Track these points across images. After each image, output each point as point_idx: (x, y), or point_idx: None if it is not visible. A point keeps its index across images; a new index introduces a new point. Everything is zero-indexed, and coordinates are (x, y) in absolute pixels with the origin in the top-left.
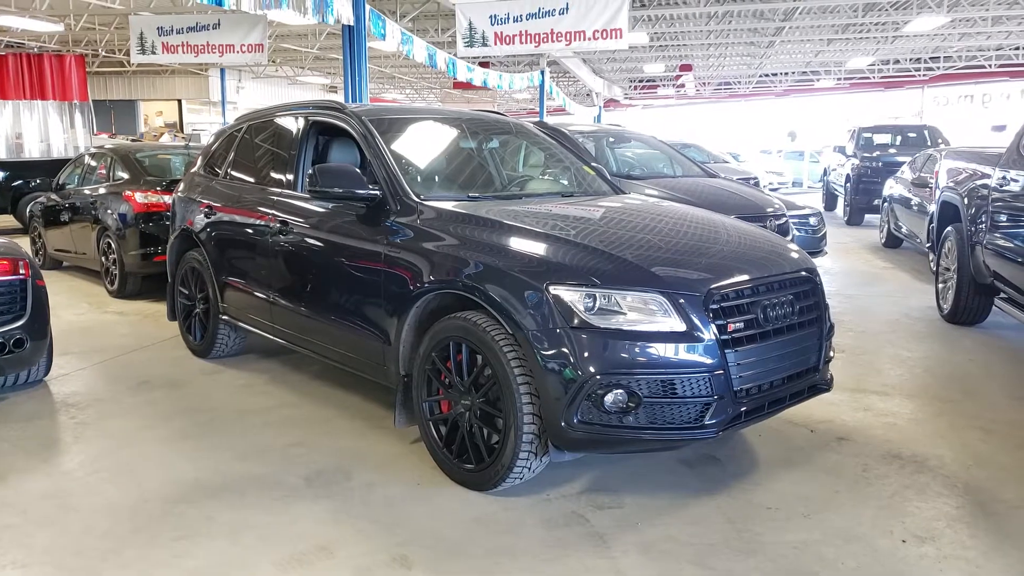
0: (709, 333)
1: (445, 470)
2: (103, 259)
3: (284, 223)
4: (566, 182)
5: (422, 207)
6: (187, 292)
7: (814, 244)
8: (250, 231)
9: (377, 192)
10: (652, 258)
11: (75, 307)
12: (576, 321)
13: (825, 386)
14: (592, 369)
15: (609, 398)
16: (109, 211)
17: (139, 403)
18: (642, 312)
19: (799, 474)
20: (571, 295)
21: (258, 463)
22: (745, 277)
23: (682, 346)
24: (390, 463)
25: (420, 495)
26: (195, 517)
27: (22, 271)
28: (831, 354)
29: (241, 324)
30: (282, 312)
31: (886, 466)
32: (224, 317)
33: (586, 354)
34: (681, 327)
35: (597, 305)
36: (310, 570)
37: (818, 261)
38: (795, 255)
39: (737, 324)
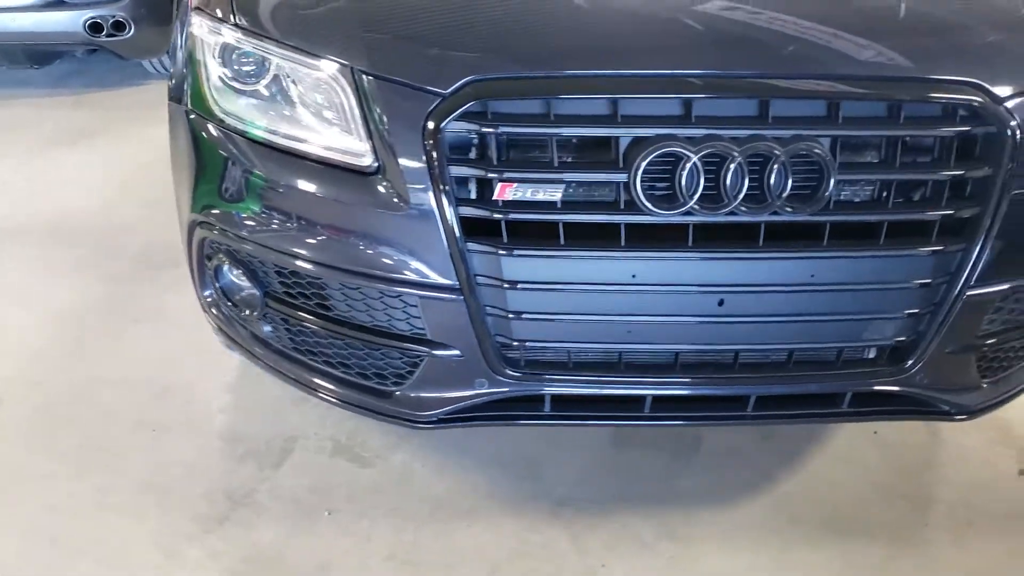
0: (431, 188)
1: None
2: None
3: None
4: None
5: None
6: None
7: None
8: None
9: None
10: None
11: None
12: (209, 91)
13: (928, 405)
14: (200, 203)
15: (224, 271)
16: None
17: None
18: (303, 100)
19: None
20: (212, 35)
21: None
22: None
23: (349, 207)
24: None
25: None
26: None
27: None
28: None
29: None
30: None
31: None
32: None
33: (193, 169)
34: (360, 153)
35: (240, 66)
36: None
37: None
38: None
39: (543, 186)
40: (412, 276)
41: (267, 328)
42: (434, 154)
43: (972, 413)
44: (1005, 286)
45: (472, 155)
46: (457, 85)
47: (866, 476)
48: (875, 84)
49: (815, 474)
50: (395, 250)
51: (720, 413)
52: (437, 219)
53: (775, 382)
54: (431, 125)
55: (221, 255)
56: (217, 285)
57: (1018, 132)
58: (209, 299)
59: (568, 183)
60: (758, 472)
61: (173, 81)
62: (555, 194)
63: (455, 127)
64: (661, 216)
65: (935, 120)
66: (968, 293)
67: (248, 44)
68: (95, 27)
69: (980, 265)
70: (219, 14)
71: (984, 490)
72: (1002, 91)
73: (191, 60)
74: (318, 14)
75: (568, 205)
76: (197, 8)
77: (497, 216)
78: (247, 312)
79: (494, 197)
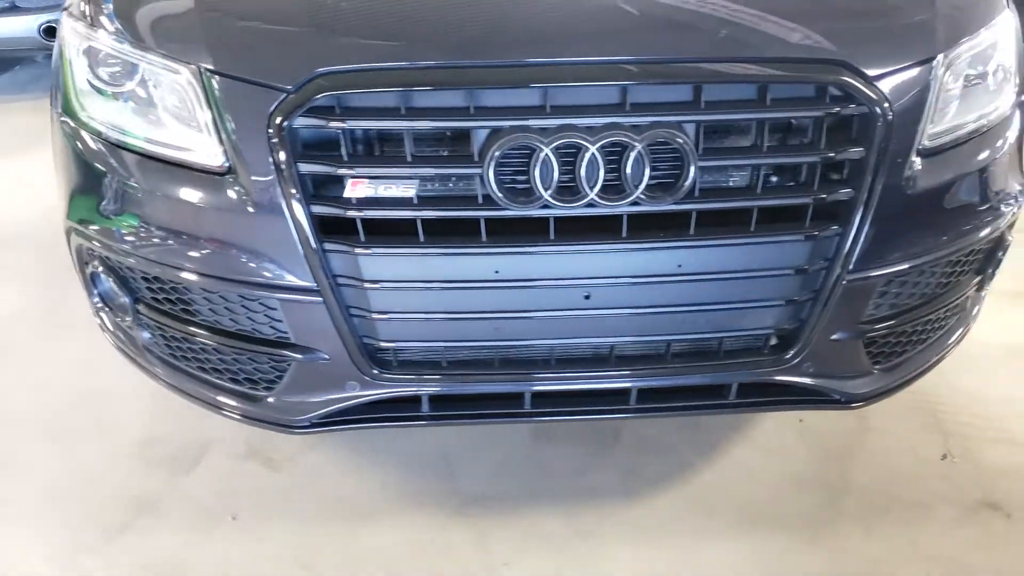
0: (280, 187)
1: None
2: None
3: None
4: None
5: None
6: None
7: None
8: None
9: None
10: None
11: None
12: (75, 93)
13: (817, 394)
14: (74, 211)
15: (101, 278)
16: None
17: None
18: (161, 102)
19: None
20: (77, 38)
21: None
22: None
23: (202, 209)
24: None
25: None
26: None
27: None
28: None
29: None
30: None
31: None
32: None
33: (63, 172)
34: (211, 154)
35: (103, 69)
36: None
37: None
38: None
39: (403, 179)
40: (269, 279)
41: (146, 335)
42: (281, 152)
43: (865, 400)
44: (887, 270)
45: (323, 151)
46: (303, 80)
47: (787, 466)
48: (738, 66)
49: (736, 465)
50: (250, 252)
51: (603, 407)
52: (288, 218)
53: (654, 374)
54: (277, 121)
55: (96, 261)
56: (96, 291)
57: (890, 112)
58: (97, 305)
59: (425, 178)
60: (677, 464)
61: (52, 84)
62: (410, 189)
63: (304, 123)
64: (518, 210)
65: (803, 102)
66: (848, 278)
67: (109, 47)
68: (51, 31)
69: (858, 249)
70: (85, 14)
71: (904, 477)
72: (872, 70)
73: (61, 61)
74: (172, 16)
75: (428, 200)
76: (65, 10)
77: (351, 214)
78: (123, 318)
79: (346, 194)
